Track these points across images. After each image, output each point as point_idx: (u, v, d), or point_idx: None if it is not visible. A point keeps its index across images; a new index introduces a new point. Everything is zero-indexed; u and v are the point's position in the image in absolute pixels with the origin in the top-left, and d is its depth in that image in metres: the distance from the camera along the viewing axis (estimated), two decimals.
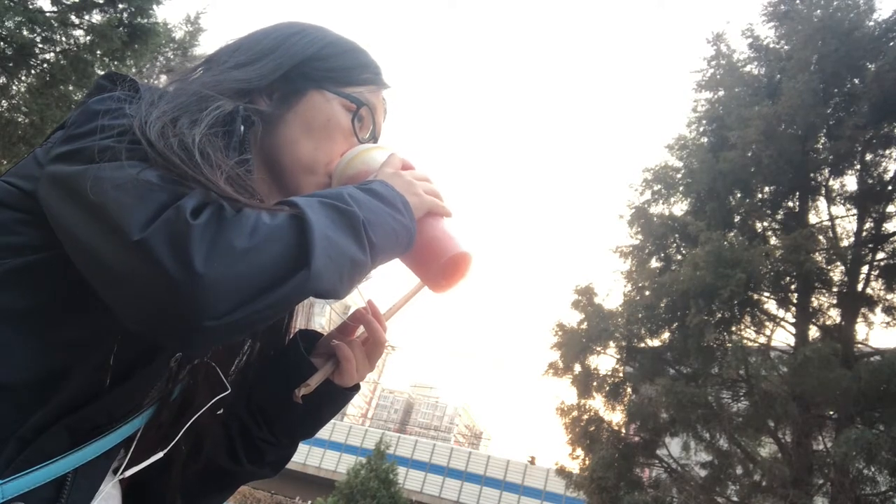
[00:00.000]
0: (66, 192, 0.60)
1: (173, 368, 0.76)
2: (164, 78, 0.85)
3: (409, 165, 0.85)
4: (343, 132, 0.84)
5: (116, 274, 0.56)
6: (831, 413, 7.59)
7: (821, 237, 8.22)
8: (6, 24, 6.86)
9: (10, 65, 7.29)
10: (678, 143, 10.08)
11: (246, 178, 0.66)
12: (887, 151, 8.11)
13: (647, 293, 8.84)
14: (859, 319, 7.99)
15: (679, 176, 9.82)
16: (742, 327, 8.32)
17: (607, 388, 9.20)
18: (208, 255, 0.53)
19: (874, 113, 7.65)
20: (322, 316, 1.17)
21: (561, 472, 9.54)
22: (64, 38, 7.35)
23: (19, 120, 7.62)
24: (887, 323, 8.05)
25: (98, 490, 0.70)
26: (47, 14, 7.17)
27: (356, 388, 0.88)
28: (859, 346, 7.80)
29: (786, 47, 8.99)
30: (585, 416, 9.05)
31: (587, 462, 8.88)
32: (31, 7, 7.14)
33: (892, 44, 7.75)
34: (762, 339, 8.41)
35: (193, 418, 0.76)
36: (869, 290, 8.00)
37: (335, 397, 0.86)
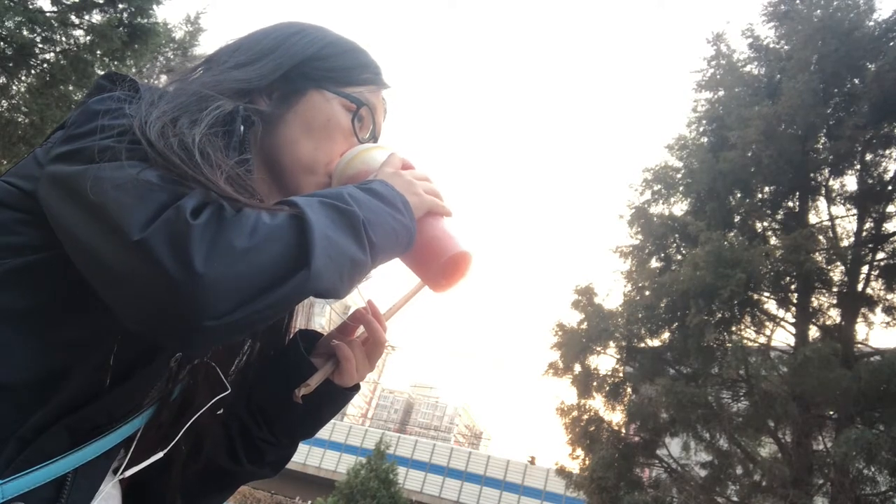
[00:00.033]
0: (66, 191, 0.60)
1: (173, 368, 0.76)
2: (164, 78, 0.85)
3: (409, 165, 0.85)
4: (343, 132, 0.84)
5: (116, 274, 0.56)
6: (831, 413, 7.59)
7: (821, 237, 8.22)
8: (6, 24, 6.86)
9: (10, 65, 7.29)
10: (678, 143, 10.08)
11: (246, 178, 0.66)
12: (887, 151, 8.11)
13: (647, 293, 8.84)
14: (859, 319, 7.99)
15: (679, 176, 9.82)
16: (742, 327, 8.32)
17: (607, 388, 9.20)
18: (208, 255, 0.53)
19: (874, 113, 7.65)
20: (322, 316, 1.17)
21: (561, 472, 9.54)
22: (64, 38, 7.35)
23: (19, 120, 7.62)
24: (887, 323, 8.05)
25: (98, 490, 0.70)
26: (47, 14, 7.17)
27: (356, 388, 0.88)
28: (859, 346, 7.80)
29: (786, 47, 8.99)
30: (585, 416, 9.05)
31: (587, 462, 8.88)
32: (31, 7, 7.14)
33: (892, 44, 7.75)
34: (762, 339, 8.41)
35: (193, 418, 0.76)
36: (869, 290, 8.00)
37: (335, 397, 0.86)
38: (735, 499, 8.08)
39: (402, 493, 17.51)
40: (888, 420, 6.49)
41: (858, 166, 8.28)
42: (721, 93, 9.46)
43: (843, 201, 8.56)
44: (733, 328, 8.16)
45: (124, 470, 0.74)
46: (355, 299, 0.85)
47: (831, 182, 8.58)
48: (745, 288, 7.28)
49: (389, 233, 0.70)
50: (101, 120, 0.63)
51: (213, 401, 0.78)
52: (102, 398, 0.65)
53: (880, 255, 8.10)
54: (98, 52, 7.34)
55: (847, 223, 8.45)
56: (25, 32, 7.05)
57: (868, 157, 8.19)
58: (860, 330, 8.03)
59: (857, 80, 8.01)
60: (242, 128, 0.73)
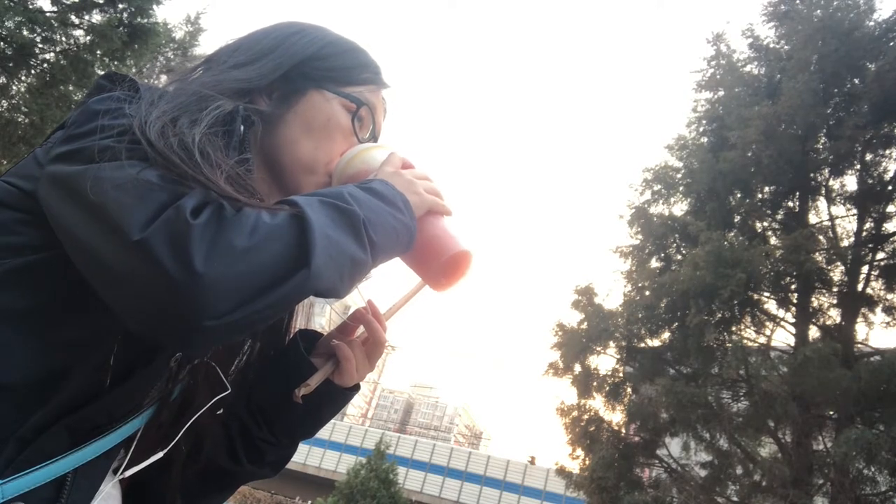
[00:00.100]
0: (66, 191, 0.60)
1: (173, 368, 0.76)
2: (164, 78, 0.85)
3: (409, 164, 0.85)
4: (343, 132, 0.84)
5: (116, 274, 0.56)
6: (831, 413, 7.59)
7: (821, 237, 8.22)
8: (6, 24, 6.86)
9: (10, 65, 7.29)
10: (678, 144, 10.08)
11: (246, 178, 0.66)
12: (887, 151, 8.11)
13: (647, 293, 8.84)
14: (859, 319, 7.99)
15: (679, 176, 9.82)
16: (742, 327, 8.32)
17: (607, 388, 9.20)
18: (208, 255, 0.53)
19: (874, 113, 7.65)
20: (322, 316, 1.17)
21: (561, 472, 9.54)
22: (64, 38, 7.35)
23: (19, 120, 7.62)
24: (887, 323, 8.05)
25: (98, 490, 0.70)
26: (47, 14, 7.18)
27: (356, 388, 0.88)
28: (859, 346, 7.80)
29: (786, 47, 8.99)
30: (585, 416, 9.05)
31: (587, 462, 8.88)
32: (31, 7, 7.14)
33: (892, 44, 7.75)
34: (762, 339, 8.41)
35: (193, 418, 0.76)
36: (869, 290, 8.00)
37: (335, 397, 0.86)
38: (735, 499, 8.08)
39: (402, 493, 17.51)
40: (888, 420, 6.49)
41: (858, 166, 8.28)
42: (721, 93, 9.46)
43: (843, 201, 8.56)
44: (733, 328, 8.16)
45: (124, 470, 0.74)
46: (355, 299, 0.85)
47: (831, 182, 8.58)
48: (745, 288, 7.28)
49: (390, 232, 0.70)
50: (101, 120, 0.63)
51: (213, 401, 0.78)
52: (102, 398, 0.65)
53: (880, 255, 8.10)
54: (98, 52, 7.34)
55: (847, 223, 8.46)
56: (25, 32, 7.05)
57: (868, 157, 8.19)
58: (860, 330, 8.05)
59: (857, 80, 8.01)
60: (242, 127, 0.73)
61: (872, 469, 6.68)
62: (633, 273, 9.67)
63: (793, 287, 8.33)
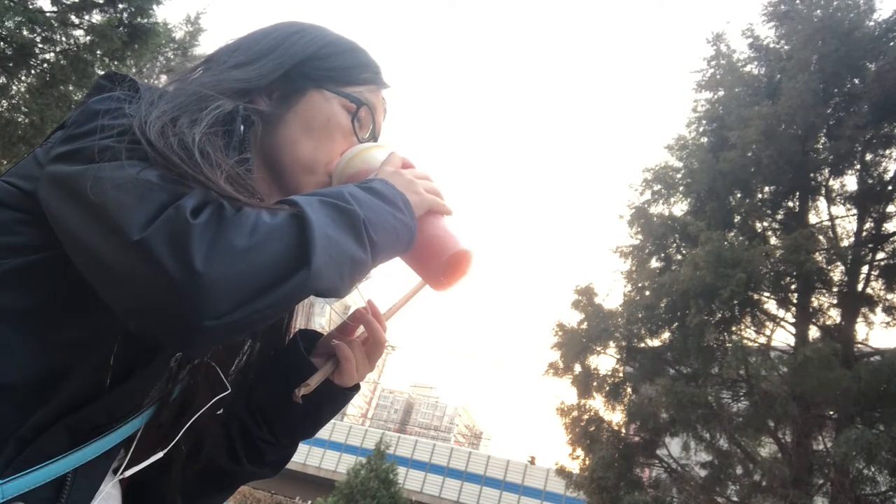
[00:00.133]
0: (66, 191, 0.60)
1: (173, 368, 0.76)
2: (164, 78, 0.85)
3: (409, 164, 0.85)
4: (343, 131, 0.84)
5: (116, 274, 0.56)
6: (831, 413, 7.59)
7: (821, 237, 8.22)
8: (6, 24, 6.86)
9: (10, 65, 7.29)
10: (678, 144, 10.08)
11: (246, 178, 0.66)
12: (887, 151, 8.11)
13: (647, 293, 8.84)
14: (859, 319, 7.99)
15: (679, 176, 9.82)
16: (742, 327, 8.32)
17: (607, 388, 9.20)
18: (208, 255, 0.53)
19: (874, 113, 7.65)
20: (322, 316, 1.17)
21: (561, 472, 9.54)
22: (64, 38, 7.35)
23: (19, 120, 7.62)
24: (887, 323, 8.05)
25: (98, 490, 0.70)
26: (47, 14, 7.18)
27: (356, 388, 0.88)
28: (859, 346, 7.80)
29: (786, 47, 8.99)
30: (585, 416, 9.05)
31: (587, 462, 8.88)
32: (31, 7, 7.14)
33: (892, 44, 7.75)
34: (762, 339, 8.41)
35: (193, 418, 0.76)
36: (869, 290, 8.00)
37: (335, 397, 0.86)
38: (735, 499, 8.08)
39: (402, 493, 17.50)
40: (888, 420, 6.49)
41: (858, 166, 8.28)
42: (721, 93, 9.46)
43: (843, 201, 8.56)
44: (733, 328, 8.16)
45: (124, 470, 0.74)
46: (355, 299, 0.85)
47: (831, 182, 8.58)
48: (745, 288, 7.28)
49: (390, 231, 0.70)
50: (101, 120, 0.63)
51: (213, 401, 0.78)
52: (102, 398, 0.65)
53: (880, 255, 8.10)
54: (98, 52, 7.34)
55: (847, 223, 8.46)
56: (25, 32, 7.05)
57: (868, 157, 8.19)
58: (860, 330, 8.05)
59: (857, 80, 8.01)
60: (242, 127, 0.73)
61: (872, 469, 6.68)
62: (633, 273, 9.67)
63: (793, 287, 8.33)
